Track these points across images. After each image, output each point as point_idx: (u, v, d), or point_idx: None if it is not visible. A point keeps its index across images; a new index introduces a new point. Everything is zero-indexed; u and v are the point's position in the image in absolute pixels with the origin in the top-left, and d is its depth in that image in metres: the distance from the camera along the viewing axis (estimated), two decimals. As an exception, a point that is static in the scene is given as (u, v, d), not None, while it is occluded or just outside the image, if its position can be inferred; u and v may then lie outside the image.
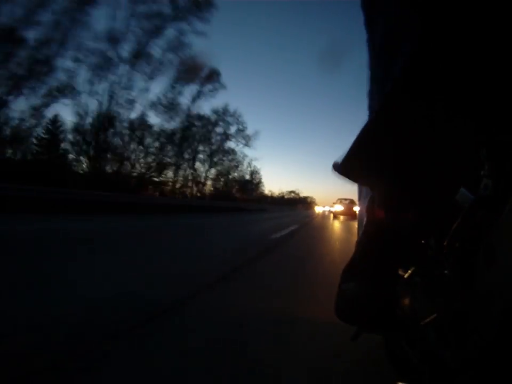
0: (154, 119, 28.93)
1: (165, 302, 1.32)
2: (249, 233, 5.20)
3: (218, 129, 24.85)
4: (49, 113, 15.42)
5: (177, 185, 21.41)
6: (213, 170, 24.79)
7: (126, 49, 16.24)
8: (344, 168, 0.49)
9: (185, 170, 21.94)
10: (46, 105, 14.27)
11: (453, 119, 0.36)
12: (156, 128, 18.59)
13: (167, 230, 4.99)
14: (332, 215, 17.30)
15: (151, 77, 17.21)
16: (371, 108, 0.48)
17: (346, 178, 0.52)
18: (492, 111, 0.36)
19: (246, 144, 26.66)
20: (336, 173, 0.53)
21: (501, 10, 0.28)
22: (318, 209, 39.44)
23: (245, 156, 28.34)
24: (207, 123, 23.31)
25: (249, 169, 30.83)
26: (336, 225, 9.49)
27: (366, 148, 0.42)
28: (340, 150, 0.49)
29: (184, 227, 5.59)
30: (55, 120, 16.30)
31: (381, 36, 0.41)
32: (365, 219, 0.65)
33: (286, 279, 1.92)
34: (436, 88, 0.33)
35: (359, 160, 0.45)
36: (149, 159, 18.45)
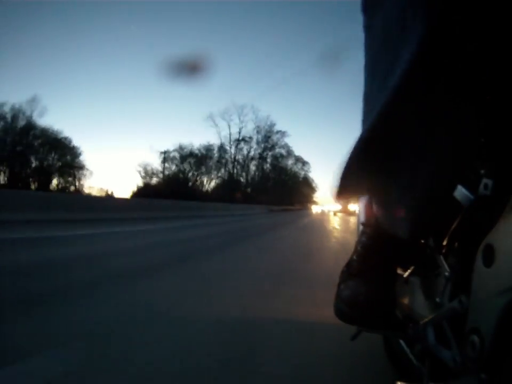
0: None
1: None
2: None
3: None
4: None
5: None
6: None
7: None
8: (343, 185, 0.46)
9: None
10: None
11: (453, 118, 0.36)
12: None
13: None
14: (331, 212, 23.21)
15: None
16: (366, 112, 0.46)
17: (349, 197, 0.49)
18: (493, 111, 0.36)
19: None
20: (337, 196, 0.48)
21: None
22: (315, 209, 38.69)
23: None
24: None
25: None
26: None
27: (365, 153, 0.41)
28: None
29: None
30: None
31: (381, 38, 0.40)
32: (363, 219, 0.65)
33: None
34: (437, 86, 0.33)
35: (357, 169, 0.43)
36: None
